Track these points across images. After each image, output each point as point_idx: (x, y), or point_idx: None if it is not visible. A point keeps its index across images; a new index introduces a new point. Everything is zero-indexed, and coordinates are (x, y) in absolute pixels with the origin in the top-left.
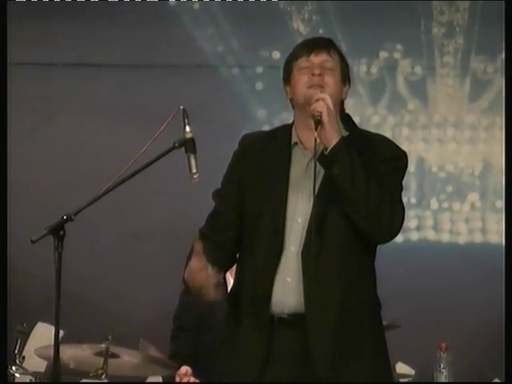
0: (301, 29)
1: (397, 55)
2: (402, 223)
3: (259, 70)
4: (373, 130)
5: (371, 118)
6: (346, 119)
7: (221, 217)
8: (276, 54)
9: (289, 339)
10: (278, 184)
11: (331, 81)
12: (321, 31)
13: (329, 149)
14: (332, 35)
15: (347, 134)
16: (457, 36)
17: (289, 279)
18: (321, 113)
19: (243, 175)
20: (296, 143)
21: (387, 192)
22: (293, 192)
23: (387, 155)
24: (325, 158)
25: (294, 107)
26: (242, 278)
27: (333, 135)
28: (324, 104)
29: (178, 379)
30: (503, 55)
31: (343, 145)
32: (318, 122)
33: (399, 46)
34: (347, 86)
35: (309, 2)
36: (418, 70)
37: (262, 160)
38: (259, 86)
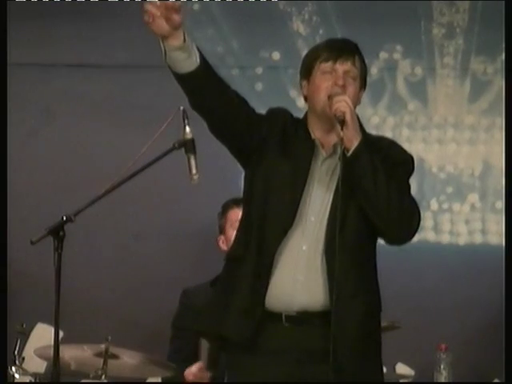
0: (301, 29)
1: (397, 56)
2: (418, 224)
3: (259, 70)
4: (373, 131)
5: (371, 118)
6: None
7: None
8: (276, 55)
9: (297, 336)
10: (298, 176)
11: (352, 91)
12: (321, 32)
13: (351, 150)
14: (332, 36)
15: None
16: (457, 37)
17: (300, 277)
18: (344, 113)
19: (271, 144)
20: (313, 140)
21: (404, 192)
22: (307, 190)
23: (399, 158)
24: (347, 159)
25: (306, 101)
26: (240, 271)
27: (355, 136)
28: (346, 104)
29: (191, 377)
30: (503, 56)
31: (365, 146)
32: (343, 122)
33: (399, 47)
34: (363, 90)
35: (309, 3)
36: (418, 70)
37: (286, 147)
38: (259, 86)
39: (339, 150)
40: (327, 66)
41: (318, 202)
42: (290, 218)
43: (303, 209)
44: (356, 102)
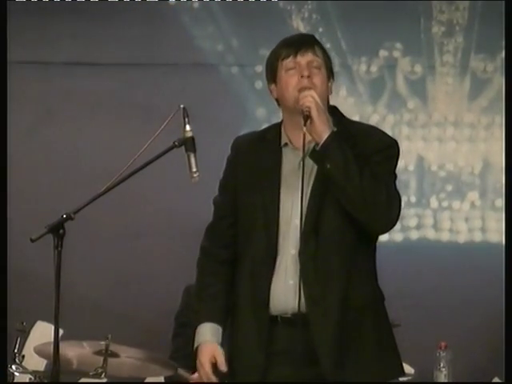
0: (300, 27)
1: (396, 54)
2: (399, 211)
3: (259, 68)
4: None
5: (371, 116)
6: (332, 112)
7: (224, 230)
8: None
9: (294, 338)
10: (270, 187)
11: (319, 81)
12: (320, 30)
13: (320, 143)
14: (332, 34)
15: (335, 128)
16: (456, 35)
17: (291, 282)
18: (309, 108)
19: (238, 181)
20: (286, 144)
21: (381, 181)
22: (287, 193)
23: (379, 145)
24: (317, 153)
25: (279, 105)
26: (238, 280)
27: (323, 129)
28: (312, 99)
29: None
30: (503, 54)
31: (334, 138)
32: (307, 117)
33: (399, 45)
34: (331, 80)
35: (308, 1)
36: (418, 68)
37: (254, 163)
38: (259, 84)
39: (310, 147)
40: (289, 61)
41: (299, 204)
42: (272, 249)
43: (288, 213)
44: (325, 91)
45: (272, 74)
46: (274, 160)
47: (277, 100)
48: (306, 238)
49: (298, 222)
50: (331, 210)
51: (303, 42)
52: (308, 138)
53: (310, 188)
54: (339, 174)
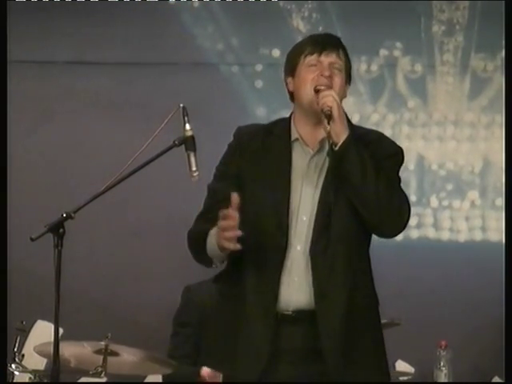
0: (301, 27)
1: (397, 53)
2: (409, 216)
3: (259, 67)
4: (373, 128)
5: (371, 115)
6: None
7: (216, 212)
8: (276, 52)
9: (293, 336)
10: (280, 181)
11: (338, 82)
12: (321, 29)
13: (339, 144)
14: (332, 33)
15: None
16: (457, 34)
17: (296, 278)
18: (331, 107)
19: (241, 169)
20: (297, 139)
21: (393, 186)
22: (296, 190)
23: (388, 151)
24: (335, 154)
25: (292, 100)
26: (245, 274)
27: (342, 130)
28: (333, 99)
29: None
30: (503, 53)
31: (352, 140)
32: (330, 117)
33: (399, 44)
34: (348, 84)
35: (309, 1)
36: (418, 67)
37: (262, 156)
38: (259, 83)
39: (327, 146)
40: (312, 58)
41: (308, 201)
42: (283, 243)
43: (295, 208)
44: (342, 94)
45: (291, 68)
46: (284, 155)
47: (291, 94)
48: (317, 235)
49: (305, 218)
50: (341, 209)
51: (329, 43)
52: (321, 136)
53: (320, 186)
54: (356, 176)
